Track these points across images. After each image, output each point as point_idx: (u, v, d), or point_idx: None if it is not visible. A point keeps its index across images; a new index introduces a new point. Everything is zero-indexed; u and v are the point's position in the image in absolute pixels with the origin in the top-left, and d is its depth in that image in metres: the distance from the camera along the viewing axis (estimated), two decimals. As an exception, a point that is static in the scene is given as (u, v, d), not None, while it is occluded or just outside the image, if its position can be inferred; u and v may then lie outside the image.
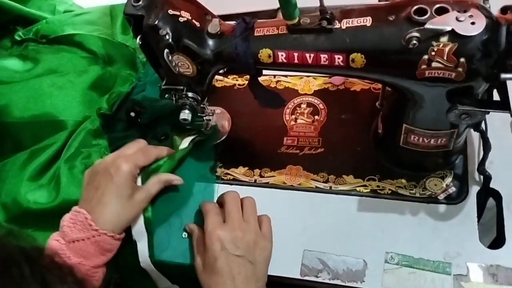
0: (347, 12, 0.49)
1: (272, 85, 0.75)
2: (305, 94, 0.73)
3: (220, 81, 0.78)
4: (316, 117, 0.70)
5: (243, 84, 0.77)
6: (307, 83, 0.74)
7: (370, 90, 0.71)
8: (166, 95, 0.60)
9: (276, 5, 0.48)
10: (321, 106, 0.71)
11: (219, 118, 0.73)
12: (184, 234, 0.63)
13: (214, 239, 0.54)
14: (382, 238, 0.58)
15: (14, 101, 0.69)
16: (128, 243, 0.60)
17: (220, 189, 0.67)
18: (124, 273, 0.66)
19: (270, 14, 0.56)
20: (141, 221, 0.61)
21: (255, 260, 0.54)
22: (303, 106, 0.72)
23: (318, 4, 0.48)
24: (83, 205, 0.56)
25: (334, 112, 0.70)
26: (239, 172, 0.68)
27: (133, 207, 0.57)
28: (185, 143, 0.67)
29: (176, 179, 0.62)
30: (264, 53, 0.52)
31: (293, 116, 0.71)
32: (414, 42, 0.44)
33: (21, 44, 0.77)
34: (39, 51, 0.75)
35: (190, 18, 0.53)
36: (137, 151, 0.61)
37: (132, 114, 0.70)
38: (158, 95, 0.63)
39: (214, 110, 0.71)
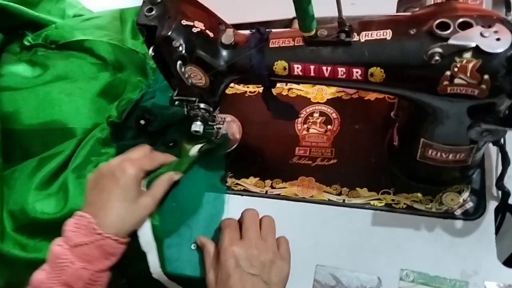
0: (366, 24, 0.48)
1: (284, 93, 0.74)
2: (318, 102, 0.72)
3: (231, 87, 0.77)
4: (329, 126, 0.69)
5: (255, 92, 0.76)
6: (320, 92, 0.73)
7: (384, 99, 0.69)
8: (176, 102, 0.59)
9: (292, 14, 0.47)
10: (334, 115, 0.70)
11: (229, 126, 0.72)
12: (193, 246, 0.62)
13: (229, 255, 0.53)
14: (397, 254, 0.57)
15: (23, 108, 0.69)
16: (137, 254, 0.59)
17: (231, 199, 0.66)
18: (133, 280, 0.65)
19: (285, 23, 0.54)
20: (149, 231, 0.60)
21: (270, 281, 0.53)
22: (316, 115, 0.71)
23: (335, 14, 0.47)
24: (87, 209, 0.55)
25: (347, 121, 0.69)
26: (250, 182, 0.67)
27: (138, 211, 0.57)
28: (193, 150, 0.67)
29: (175, 174, 0.62)
30: (279, 65, 0.51)
31: (305, 126, 0.70)
32: (437, 58, 0.42)
33: (30, 50, 0.76)
34: (48, 57, 0.74)
35: (203, 28, 0.51)
36: (143, 155, 0.60)
37: (142, 122, 0.69)
38: (168, 102, 0.62)
39: (224, 118, 0.70)
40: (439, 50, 0.42)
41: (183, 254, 0.62)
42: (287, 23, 0.54)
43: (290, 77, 0.52)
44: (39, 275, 0.52)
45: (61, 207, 0.63)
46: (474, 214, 0.57)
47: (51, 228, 0.63)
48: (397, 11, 0.56)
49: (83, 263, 0.51)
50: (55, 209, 0.63)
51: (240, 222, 0.60)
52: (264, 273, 0.53)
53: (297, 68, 0.50)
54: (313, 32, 0.47)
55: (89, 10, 0.88)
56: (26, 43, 0.76)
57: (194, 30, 0.51)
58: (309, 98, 0.72)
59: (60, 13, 0.82)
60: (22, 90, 0.70)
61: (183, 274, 0.60)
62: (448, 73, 0.43)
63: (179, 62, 0.50)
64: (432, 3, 0.49)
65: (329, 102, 0.71)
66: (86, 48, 0.73)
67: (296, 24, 0.48)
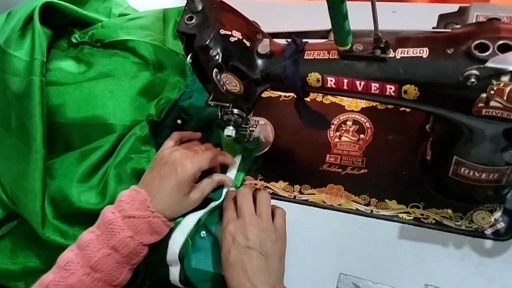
0: (403, 41, 0.47)
1: (318, 99, 0.74)
2: (352, 111, 0.72)
3: (266, 91, 0.77)
4: (362, 136, 0.69)
5: (289, 96, 0.76)
6: (355, 100, 0.72)
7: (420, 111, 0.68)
8: (211, 103, 0.61)
9: (329, 26, 0.47)
10: (367, 124, 0.70)
11: (262, 129, 0.73)
12: (203, 233, 0.63)
13: (226, 233, 0.57)
14: (422, 270, 0.57)
15: (68, 102, 0.72)
16: (162, 263, 0.62)
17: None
18: (156, 283, 0.67)
19: (322, 34, 0.54)
20: (176, 250, 0.61)
21: (266, 253, 0.55)
22: (349, 123, 0.71)
23: (372, 27, 0.47)
24: (145, 187, 0.60)
25: (380, 132, 0.69)
26: (279, 186, 0.68)
27: (187, 204, 0.62)
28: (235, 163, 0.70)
29: (228, 180, 0.66)
30: (313, 77, 0.52)
31: (338, 133, 0.70)
32: (473, 80, 0.41)
33: (77, 47, 0.79)
34: (93, 54, 0.77)
35: (240, 37, 0.52)
36: (205, 154, 0.63)
37: (179, 121, 0.72)
38: (204, 102, 0.64)
39: (257, 121, 0.71)
40: (476, 72, 0.41)
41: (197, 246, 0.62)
42: (324, 34, 0.54)
43: (323, 89, 0.52)
44: (88, 235, 0.57)
45: (101, 200, 0.66)
46: (505, 235, 0.56)
47: (90, 218, 0.67)
48: (437, 25, 0.55)
49: (132, 233, 0.56)
50: (95, 200, 0.66)
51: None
52: (260, 246, 0.55)
53: (331, 81, 0.51)
54: (348, 47, 0.47)
55: (134, 9, 0.91)
56: (74, 40, 0.79)
57: (232, 39, 0.52)
58: (343, 106, 0.73)
59: (107, 12, 0.85)
60: (67, 85, 0.73)
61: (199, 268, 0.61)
62: (484, 95, 0.43)
63: (215, 70, 0.51)
64: (474, 21, 0.48)
65: (363, 111, 0.71)
66: (129, 48, 0.76)
67: (332, 36, 0.49)
